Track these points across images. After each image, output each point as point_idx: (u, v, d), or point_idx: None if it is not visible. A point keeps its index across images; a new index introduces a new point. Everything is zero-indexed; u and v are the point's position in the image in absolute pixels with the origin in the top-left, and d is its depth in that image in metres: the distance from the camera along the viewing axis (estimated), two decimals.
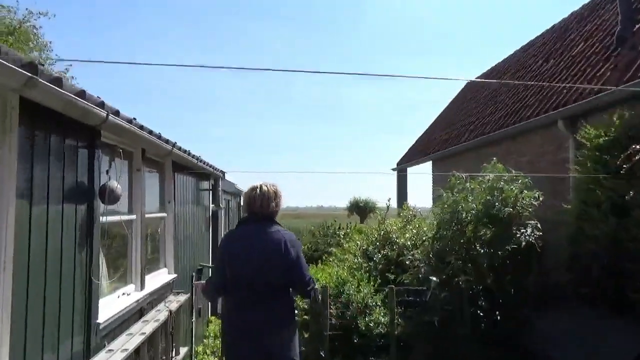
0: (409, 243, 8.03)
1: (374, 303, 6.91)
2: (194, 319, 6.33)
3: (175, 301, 4.72)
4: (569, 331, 6.18)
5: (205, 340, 7.22)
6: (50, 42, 16.80)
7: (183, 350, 4.90)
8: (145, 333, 3.51)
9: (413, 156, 18.24)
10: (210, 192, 8.01)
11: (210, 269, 7.79)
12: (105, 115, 2.67)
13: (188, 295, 5.14)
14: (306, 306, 7.07)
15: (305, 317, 6.92)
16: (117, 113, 2.91)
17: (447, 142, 14.47)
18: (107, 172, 3.19)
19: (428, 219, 8.77)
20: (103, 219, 3.18)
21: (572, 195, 7.71)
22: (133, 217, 4.10)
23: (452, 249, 7.06)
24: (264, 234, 3.26)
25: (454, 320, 6.54)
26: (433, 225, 7.66)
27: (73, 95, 2.27)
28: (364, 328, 6.57)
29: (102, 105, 2.66)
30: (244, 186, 13.35)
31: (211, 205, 8.14)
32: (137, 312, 4.02)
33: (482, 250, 6.69)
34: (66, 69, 16.49)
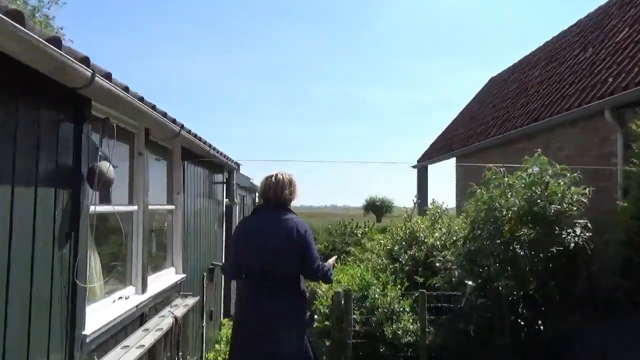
0: (438, 243, 7.37)
1: (401, 308, 6.29)
2: (204, 322, 5.77)
3: (182, 305, 4.15)
4: (623, 344, 5.49)
5: (217, 346, 6.66)
6: (62, 28, 16.48)
7: None
8: (144, 345, 2.94)
9: (434, 153, 17.52)
10: (224, 185, 7.45)
11: (223, 277, 7.24)
12: (90, 75, 2.09)
13: (197, 298, 4.58)
14: (327, 311, 6.47)
15: (327, 322, 6.32)
16: (108, 76, 2.34)
17: (472, 137, 13.75)
18: (99, 150, 2.61)
19: (457, 217, 8.13)
20: (93, 208, 2.61)
21: (620, 193, 6.98)
22: (134, 208, 3.54)
23: (488, 250, 6.40)
24: (277, 221, 3.31)
25: (492, 329, 5.89)
26: (466, 223, 7.01)
27: (40, 39, 1.69)
28: (390, 336, 5.95)
29: (86, 62, 2.08)
30: (259, 181, 12.79)
31: (225, 200, 7.58)
32: (138, 319, 3.46)
33: (521, 252, 6.03)
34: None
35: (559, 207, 5.88)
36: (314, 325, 6.43)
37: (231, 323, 7.80)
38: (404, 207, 8.22)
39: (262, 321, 3.18)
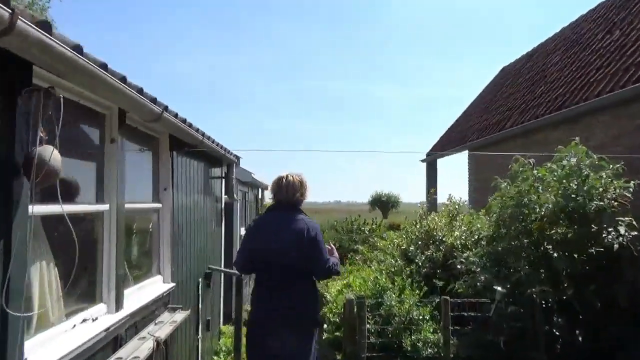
0: (458, 243, 6.70)
1: (420, 316, 5.63)
2: (200, 334, 5.12)
3: (168, 322, 3.49)
4: None
5: (215, 358, 6.02)
6: (53, 20, 15.84)
7: None
8: None
9: (444, 147, 16.79)
10: (223, 180, 6.79)
11: (222, 274, 6.58)
12: (7, 16, 1.44)
13: (187, 313, 3.91)
14: (338, 320, 5.82)
15: (337, 333, 5.67)
16: (44, 26, 1.68)
17: (487, 129, 13.03)
18: (40, 131, 1.94)
19: (471, 213, 7.44)
20: (33, 208, 1.95)
21: None
22: (104, 207, 2.88)
23: (517, 251, 5.72)
24: (289, 221, 3.45)
25: (524, 341, 5.23)
26: (490, 221, 6.33)
27: None
28: (409, 348, 5.29)
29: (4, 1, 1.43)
30: (262, 177, 12.10)
31: (224, 197, 6.93)
32: (110, 344, 2.80)
33: (555, 254, 5.35)
34: None
35: (600, 203, 5.19)
36: (324, 337, 5.81)
37: (232, 329, 7.16)
38: (420, 203, 7.53)
39: (276, 316, 3.32)
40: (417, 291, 6.04)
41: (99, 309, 2.79)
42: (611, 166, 5.28)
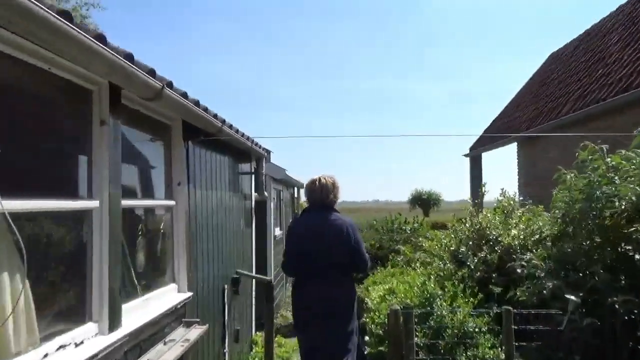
0: (516, 243, 5.90)
1: (476, 328, 4.88)
2: (226, 348, 4.57)
3: (181, 341, 2.93)
4: None
5: None
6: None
7: None
8: None
9: (489, 140, 15.77)
10: (253, 176, 6.24)
11: (253, 280, 6.02)
12: None
13: (205, 327, 3.34)
14: (381, 332, 5.16)
15: (381, 348, 5.00)
16: None
17: (538, 118, 12.01)
18: None
19: (525, 209, 6.60)
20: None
21: None
22: (93, 204, 2.34)
23: (589, 252, 4.90)
24: (327, 220, 3.75)
25: None
26: (554, 218, 5.50)
27: None
28: None
29: None
30: (297, 174, 11.54)
31: (254, 194, 6.38)
32: None
33: (637, 255, 4.51)
34: None
35: None
36: (365, 352, 5.16)
37: (262, 336, 6.61)
38: (469, 199, 6.75)
39: (320, 310, 3.66)
40: (471, 299, 5.30)
41: (86, 329, 2.25)
42: None
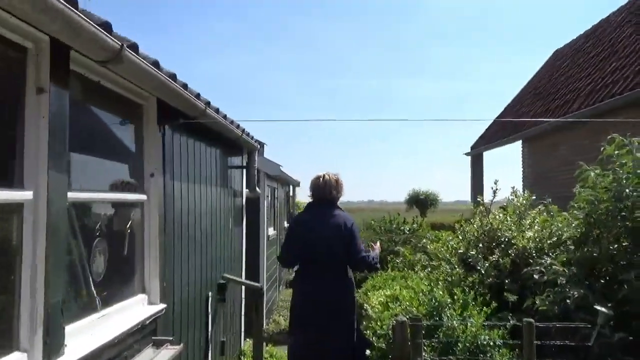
0: (531, 245, 5.38)
1: (490, 342, 4.35)
2: None
3: None
4: None
5: None
6: None
7: None
8: None
9: (491, 138, 15.29)
10: (244, 171, 5.70)
11: (243, 286, 5.47)
12: None
13: (180, 347, 2.79)
14: (383, 344, 4.62)
15: None
16: None
17: (544, 115, 11.51)
18: None
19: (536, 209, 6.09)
20: None
21: None
22: (23, 195, 1.80)
23: (618, 258, 4.40)
24: (328, 216, 4.00)
25: None
26: (576, 218, 4.98)
27: None
28: None
29: None
30: (292, 171, 11.00)
31: (245, 191, 5.84)
32: None
33: None
34: None
35: None
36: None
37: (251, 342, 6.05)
38: (477, 199, 6.23)
39: (319, 301, 3.82)
40: (484, 307, 4.77)
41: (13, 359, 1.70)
42: None
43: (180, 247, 3.41)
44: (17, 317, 1.77)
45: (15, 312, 1.77)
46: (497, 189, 6.09)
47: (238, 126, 4.47)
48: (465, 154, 16.86)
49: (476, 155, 16.64)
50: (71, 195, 2.04)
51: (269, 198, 9.16)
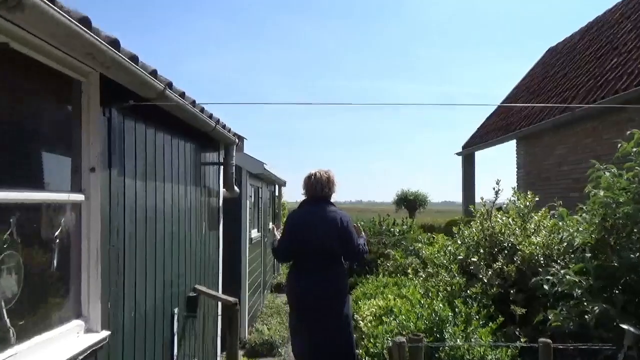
0: (539, 252, 4.87)
1: None
2: None
3: None
4: None
5: None
6: None
7: None
8: None
9: (485, 137, 14.84)
10: (221, 167, 5.11)
11: (219, 302, 4.86)
12: None
13: None
14: None
15: None
16: None
17: (540, 114, 11.07)
18: None
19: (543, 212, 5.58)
20: None
21: None
22: None
23: (638, 267, 3.90)
24: (323, 212, 4.15)
25: None
26: (590, 223, 4.48)
27: None
28: None
29: None
30: (281, 171, 10.42)
31: (222, 190, 5.24)
32: None
33: None
34: None
35: None
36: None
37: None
38: (482, 199, 5.70)
39: (317, 288, 4.05)
40: (489, 322, 4.25)
41: None
42: None
43: (134, 257, 2.81)
44: None
45: None
46: (499, 190, 5.58)
47: (211, 116, 3.88)
48: (457, 153, 16.42)
49: (467, 155, 16.20)
50: None
51: (252, 198, 8.56)
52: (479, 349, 3.81)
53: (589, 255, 4.22)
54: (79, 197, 2.30)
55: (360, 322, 5.17)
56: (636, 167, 4.12)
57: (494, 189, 5.49)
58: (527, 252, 4.91)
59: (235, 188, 5.12)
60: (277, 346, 7.03)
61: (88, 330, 2.30)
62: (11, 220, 1.84)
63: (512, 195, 5.99)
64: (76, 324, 2.25)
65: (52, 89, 2.20)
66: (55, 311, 2.15)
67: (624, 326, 3.37)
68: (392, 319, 4.60)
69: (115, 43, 2.07)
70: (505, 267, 4.99)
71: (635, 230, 4.05)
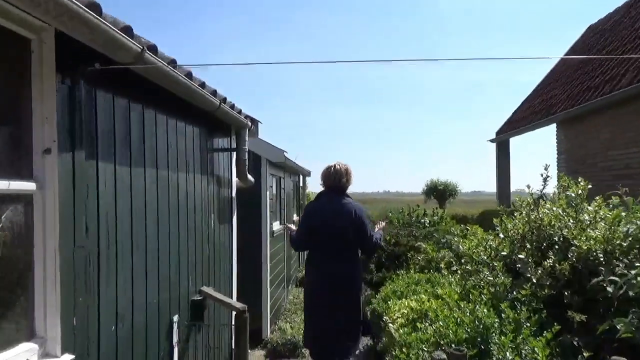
0: (597, 248, 4.19)
1: None
2: None
3: None
4: None
5: None
6: None
7: None
8: None
9: (518, 124, 13.95)
10: (233, 154, 4.60)
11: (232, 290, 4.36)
12: None
13: None
14: None
15: None
16: None
17: (583, 94, 10.18)
18: None
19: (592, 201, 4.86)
20: None
21: None
22: None
23: None
24: (339, 204, 4.33)
25: None
26: None
27: None
28: None
29: None
30: (304, 162, 9.86)
31: (234, 180, 4.74)
32: None
33: None
34: None
35: None
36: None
37: None
38: (528, 188, 5.03)
39: (333, 277, 4.24)
40: (541, 330, 3.61)
41: None
42: None
43: (115, 258, 2.31)
44: None
45: None
46: (547, 176, 4.89)
47: (215, 93, 3.35)
48: (490, 140, 15.55)
49: (501, 143, 15.33)
50: None
51: (273, 188, 8.07)
52: None
53: None
54: (27, 185, 1.80)
55: (390, 325, 4.60)
56: None
57: (541, 175, 4.81)
58: (585, 247, 4.23)
59: (249, 177, 4.61)
60: (300, 347, 6.54)
61: (45, 355, 1.81)
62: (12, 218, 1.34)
63: (559, 183, 5.27)
64: (27, 347, 1.76)
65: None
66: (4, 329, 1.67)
67: None
68: (427, 324, 4.02)
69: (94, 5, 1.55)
70: (557, 264, 4.32)
71: None
